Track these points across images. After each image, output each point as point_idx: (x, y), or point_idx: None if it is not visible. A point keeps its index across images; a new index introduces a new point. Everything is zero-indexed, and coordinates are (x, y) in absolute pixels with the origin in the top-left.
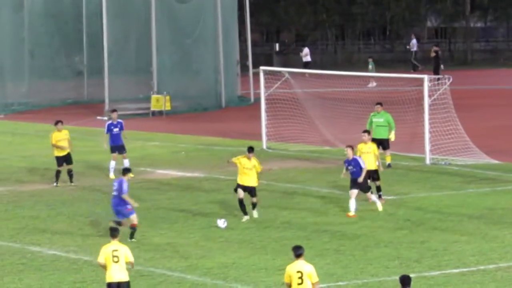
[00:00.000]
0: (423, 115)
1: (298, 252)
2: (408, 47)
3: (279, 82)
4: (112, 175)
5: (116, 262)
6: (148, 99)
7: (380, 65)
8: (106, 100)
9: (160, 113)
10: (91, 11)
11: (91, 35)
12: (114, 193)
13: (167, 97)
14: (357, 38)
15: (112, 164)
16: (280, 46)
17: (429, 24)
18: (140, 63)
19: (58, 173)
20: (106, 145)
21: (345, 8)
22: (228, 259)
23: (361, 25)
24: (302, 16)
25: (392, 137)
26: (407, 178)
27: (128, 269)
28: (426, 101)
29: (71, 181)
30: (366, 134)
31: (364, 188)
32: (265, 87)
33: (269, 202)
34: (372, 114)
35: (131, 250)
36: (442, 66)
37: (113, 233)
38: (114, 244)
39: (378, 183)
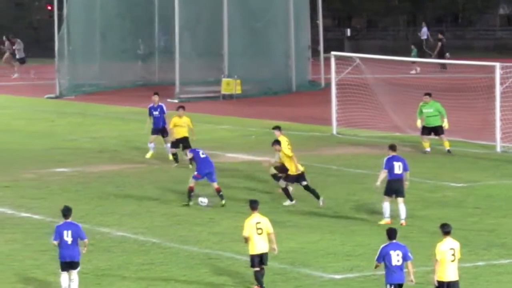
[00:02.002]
0: (494, 103)
1: (447, 229)
2: (419, 34)
3: (350, 68)
4: (148, 155)
5: (260, 234)
6: (218, 83)
7: (451, 52)
8: (177, 83)
9: (231, 96)
10: None
11: (162, 17)
12: (203, 156)
13: (238, 81)
14: (428, 24)
15: (151, 145)
16: (351, 32)
17: (501, 11)
18: (211, 46)
19: (174, 155)
20: (148, 126)
21: None
22: (296, 244)
23: (432, 11)
24: (373, 2)
25: (445, 125)
26: (476, 165)
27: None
28: (498, 88)
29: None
30: None
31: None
32: (336, 72)
33: (339, 188)
34: (421, 104)
35: (200, 234)
36: (447, 54)
37: (254, 205)
38: (257, 216)
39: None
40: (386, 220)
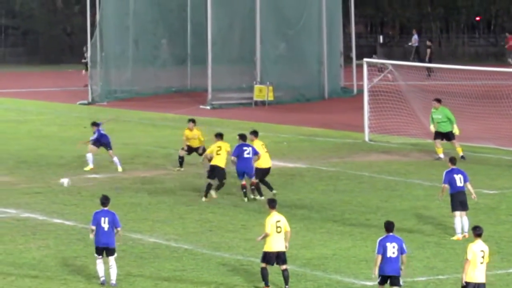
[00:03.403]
0: None
1: (478, 231)
2: (410, 43)
3: (382, 74)
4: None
5: (279, 232)
6: (251, 89)
7: (484, 59)
8: (209, 89)
9: (263, 103)
10: (196, 1)
11: (195, 24)
12: (247, 156)
13: (270, 88)
14: (462, 31)
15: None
16: (384, 38)
17: None
18: (243, 53)
19: (180, 158)
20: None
21: (449, 1)
22: (328, 250)
23: (465, 18)
24: (406, 9)
25: (456, 131)
26: (510, 172)
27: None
28: None
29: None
30: None
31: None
32: (368, 79)
33: (371, 195)
34: (432, 110)
35: (232, 240)
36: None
37: (273, 204)
38: (276, 214)
39: None
40: (458, 236)
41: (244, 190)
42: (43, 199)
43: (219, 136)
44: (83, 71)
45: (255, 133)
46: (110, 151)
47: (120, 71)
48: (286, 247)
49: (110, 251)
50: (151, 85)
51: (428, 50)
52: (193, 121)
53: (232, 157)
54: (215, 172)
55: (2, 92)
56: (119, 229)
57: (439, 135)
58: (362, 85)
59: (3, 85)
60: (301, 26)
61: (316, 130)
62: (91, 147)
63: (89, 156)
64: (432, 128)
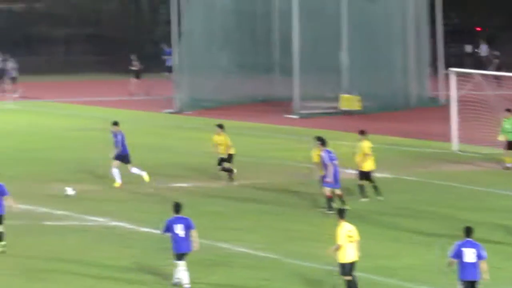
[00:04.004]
0: None
1: None
2: (476, 50)
3: (470, 84)
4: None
5: (351, 242)
6: (337, 98)
7: None
8: (296, 98)
9: (350, 112)
10: (282, 9)
11: (281, 33)
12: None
13: (357, 97)
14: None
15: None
16: (472, 48)
17: None
18: (329, 62)
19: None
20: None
21: None
22: (416, 261)
23: None
24: (495, 17)
25: None
26: None
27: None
28: None
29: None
30: None
31: None
32: (456, 88)
33: (460, 204)
34: (503, 119)
35: (320, 250)
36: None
37: (343, 214)
38: (347, 224)
39: None
40: None
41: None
42: (131, 208)
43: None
44: (132, 79)
45: (362, 131)
46: (129, 165)
47: (206, 80)
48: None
49: (186, 256)
50: (237, 94)
51: (496, 60)
52: (220, 126)
53: (328, 163)
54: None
55: (88, 100)
56: (194, 230)
57: (508, 144)
58: (449, 95)
59: (89, 93)
60: (387, 35)
61: (402, 139)
62: (115, 162)
63: (116, 171)
64: (501, 138)
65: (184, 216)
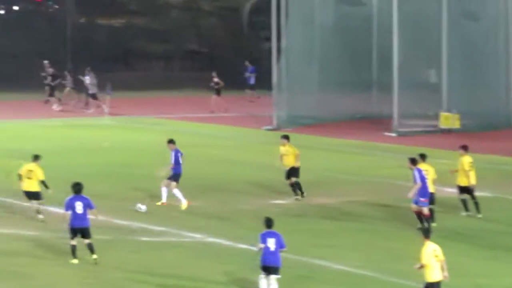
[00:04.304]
0: None
1: None
2: None
3: None
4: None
5: (437, 261)
6: (436, 116)
7: None
8: (395, 116)
9: (449, 131)
10: (382, 26)
11: (381, 50)
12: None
13: (456, 115)
14: None
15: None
16: None
17: None
18: (428, 80)
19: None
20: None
21: None
22: None
23: None
24: None
25: None
26: None
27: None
28: None
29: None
30: None
31: None
32: None
33: None
34: None
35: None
36: None
37: (427, 234)
38: (431, 244)
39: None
40: None
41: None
42: (229, 224)
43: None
44: (213, 96)
45: (464, 146)
46: (174, 183)
47: (305, 97)
48: (446, 276)
49: (275, 270)
50: (336, 111)
51: None
52: (285, 137)
53: (417, 181)
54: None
55: (186, 116)
56: (284, 249)
57: None
58: None
59: (188, 109)
60: (489, 53)
61: (503, 158)
62: (173, 183)
63: (177, 191)
64: None
65: (276, 232)
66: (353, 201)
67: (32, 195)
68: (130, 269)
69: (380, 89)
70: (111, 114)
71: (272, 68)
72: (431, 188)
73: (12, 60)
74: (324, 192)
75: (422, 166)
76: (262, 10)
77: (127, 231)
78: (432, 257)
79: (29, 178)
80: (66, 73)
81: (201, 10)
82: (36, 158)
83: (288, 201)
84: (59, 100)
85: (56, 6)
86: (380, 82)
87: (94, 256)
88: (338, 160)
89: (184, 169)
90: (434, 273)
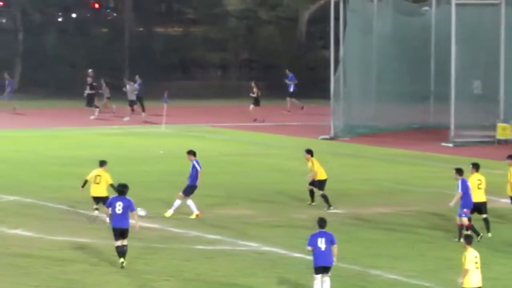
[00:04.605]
0: None
1: None
2: None
3: None
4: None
5: (477, 268)
6: (493, 127)
7: None
8: (452, 127)
9: (506, 141)
10: (440, 37)
11: (438, 61)
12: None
13: None
14: None
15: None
16: None
17: None
18: (486, 90)
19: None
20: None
21: None
22: None
23: None
24: None
25: None
26: None
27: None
28: None
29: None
30: None
31: None
32: None
33: None
34: None
35: None
36: None
37: (469, 240)
38: (472, 250)
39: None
40: None
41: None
42: (285, 233)
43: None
44: (252, 105)
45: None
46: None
47: (362, 106)
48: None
49: (328, 269)
50: (393, 121)
51: None
52: (307, 151)
53: (459, 192)
54: None
55: (243, 125)
56: (335, 246)
57: None
58: None
59: (245, 118)
60: None
61: None
62: (180, 194)
63: (190, 202)
64: None
65: (328, 231)
66: (408, 210)
67: (100, 200)
68: (185, 277)
69: (437, 99)
70: (125, 123)
71: (329, 77)
72: (482, 198)
73: (69, 68)
74: (380, 201)
75: (475, 176)
76: (320, 19)
77: (182, 240)
78: (473, 263)
79: (97, 183)
80: (102, 82)
81: (259, 19)
82: (103, 163)
83: (343, 210)
84: (97, 108)
85: (115, 14)
86: (437, 92)
87: (121, 260)
88: (394, 170)
89: (239, 178)
90: (473, 279)
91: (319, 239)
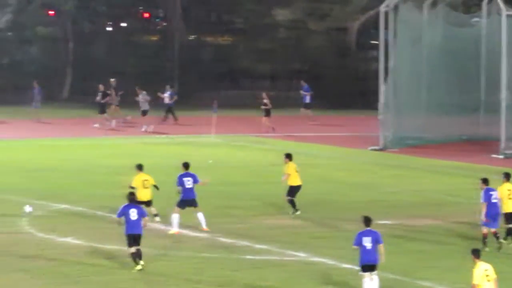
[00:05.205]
0: None
1: None
2: None
3: None
4: None
5: (489, 281)
6: None
7: None
8: (502, 138)
9: None
10: (490, 48)
11: (489, 71)
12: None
13: None
14: None
15: None
16: None
17: None
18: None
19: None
20: None
21: None
22: None
23: None
24: None
25: None
26: None
27: None
28: None
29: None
30: None
31: None
32: None
33: None
34: None
35: None
36: None
37: (477, 253)
38: (483, 264)
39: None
40: None
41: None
42: (333, 244)
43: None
44: (263, 117)
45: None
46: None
47: (412, 117)
48: None
49: (374, 267)
50: (442, 133)
51: None
52: (287, 156)
53: (484, 202)
54: None
55: (294, 135)
56: (381, 245)
57: None
58: None
59: (292, 129)
60: None
61: None
62: (176, 208)
63: (176, 217)
64: None
65: (373, 230)
66: (457, 222)
67: (149, 203)
68: (234, 287)
69: (488, 111)
70: (144, 132)
71: (378, 88)
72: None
73: (118, 77)
74: (429, 213)
75: (505, 185)
76: (370, 30)
77: (231, 249)
78: (484, 278)
79: (146, 187)
80: (111, 89)
81: (308, 29)
82: (141, 167)
83: (392, 221)
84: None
85: (164, 24)
86: (488, 103)
87: (138, 267)
88: (444, 181)
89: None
90: None
91: (365, 238)
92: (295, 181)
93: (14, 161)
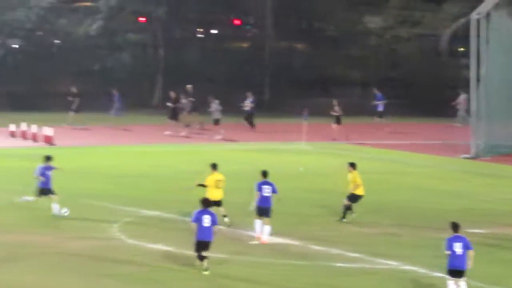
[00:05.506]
0: None
1: None
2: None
3: None
4: None
5: None
6: None
7: None
8: None
9: None
10: None
11: None
12: None
13: None
14: None
15: None
16: None
17: None
18: None
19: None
20: None
21: None
22: None
23: None
24: None
25: None
26: None
27: None
28: None
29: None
30: None
31: None
32: None
33: None
34: None
35: None
36: None
37: None
38: None
39: None
40: None
41: None
42: (425, 253)
43: None
44: (333, 124)
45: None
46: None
47: (504, 125)
48: None
49: (462, 274)
50: None
51: None
52: (351, 164)
53: None
54: None
55: (384, 143)
56: (471, 251)
57: None
58: None
59: (381, 136)
60: None
61: None
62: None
63: (258, 222)
64: None
65: (462, 236)
66: None
67: (219, 203)
68: None
69: None
70: (218, 140)
71: (470, 96)
72: None
73: (208, 83)
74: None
75: None
76: (462, 37)
77: (323, 257)
78: None
79: (218, 187)
80: (184, 96)
81: (399, 37)
82: (216, 166)
83: (484, 230)
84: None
85: (255, 30)
86: None
87: (206, 273)
88: None
89: (379, 196)
90: None
91: (455, 244)
92: (359, 190)
93: (96, 167)
